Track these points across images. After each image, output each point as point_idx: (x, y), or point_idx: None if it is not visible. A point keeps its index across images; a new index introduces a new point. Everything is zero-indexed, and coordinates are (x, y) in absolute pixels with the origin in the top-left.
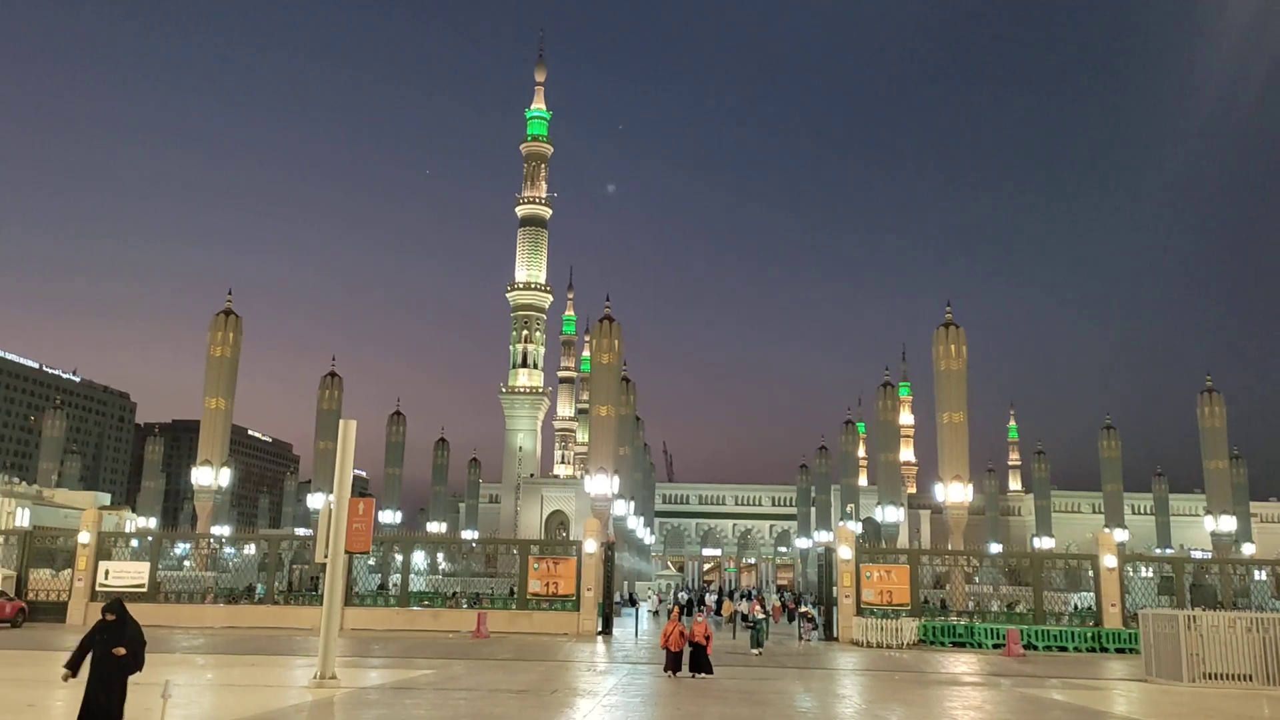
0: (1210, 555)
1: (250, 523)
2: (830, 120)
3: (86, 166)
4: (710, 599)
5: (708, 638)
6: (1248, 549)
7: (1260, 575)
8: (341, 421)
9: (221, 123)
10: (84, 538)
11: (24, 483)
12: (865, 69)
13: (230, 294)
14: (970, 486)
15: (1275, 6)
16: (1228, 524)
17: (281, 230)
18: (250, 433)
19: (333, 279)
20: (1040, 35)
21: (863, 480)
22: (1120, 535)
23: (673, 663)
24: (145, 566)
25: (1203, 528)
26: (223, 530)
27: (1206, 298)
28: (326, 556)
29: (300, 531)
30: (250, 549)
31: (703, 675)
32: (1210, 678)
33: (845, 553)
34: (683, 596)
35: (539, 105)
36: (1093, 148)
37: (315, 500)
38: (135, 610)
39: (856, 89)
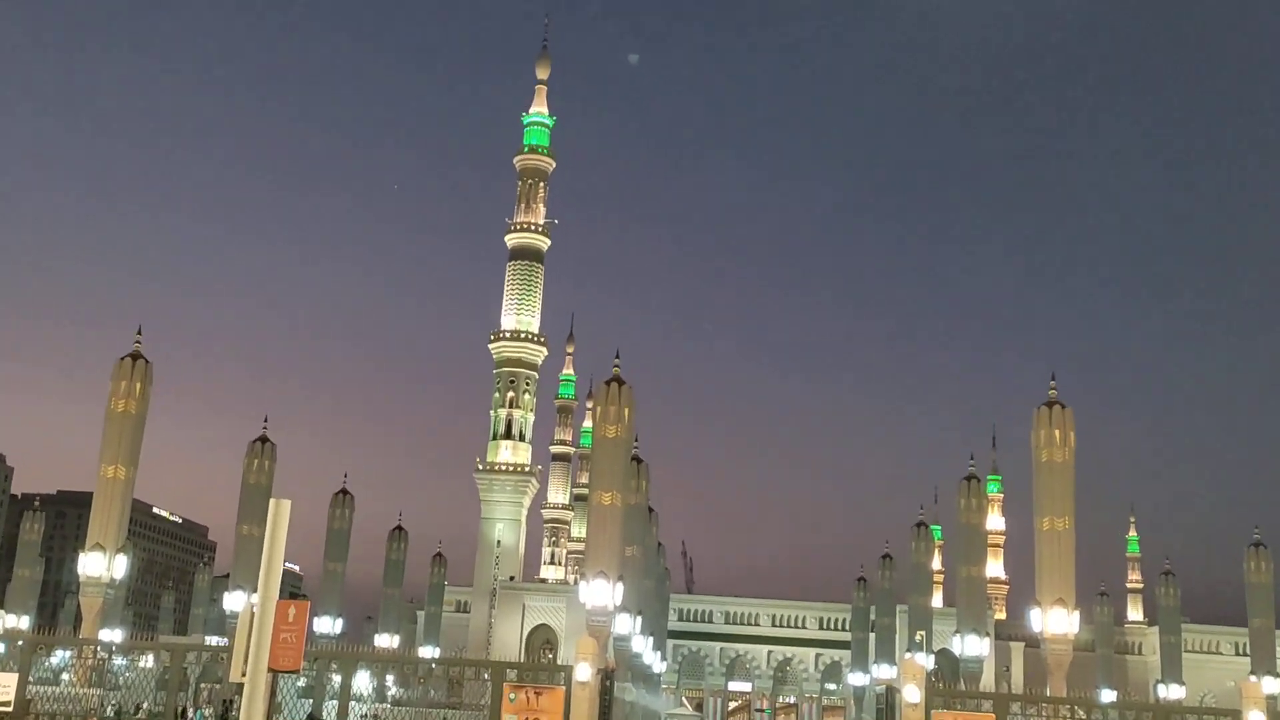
0: None
1: (150, 626)
2: (915, 135)
3: None
4: None
5: None
6: None
7: None
8: (272, 501)
9: (119, 128)
10: None
11: None
12: (966, 122)
13: (139, 334)
14: (1076, 614)
15: None
16: None
17: (202, 258)
18: (156, 511)
19: (267, 323)
20: (1179, 117)
21: (937, 600)
22: (1271, 685)
23: None
24: (13, 679)
25: None
26: (114, 635)
27: None
28: (244, 675)
29: (213, 640)
30: (148, 660)
31: None
32: None
33: (912, 694)
34: None
35: (540, 108)
36: (1231, 228)
37: (234, 601)
38: None
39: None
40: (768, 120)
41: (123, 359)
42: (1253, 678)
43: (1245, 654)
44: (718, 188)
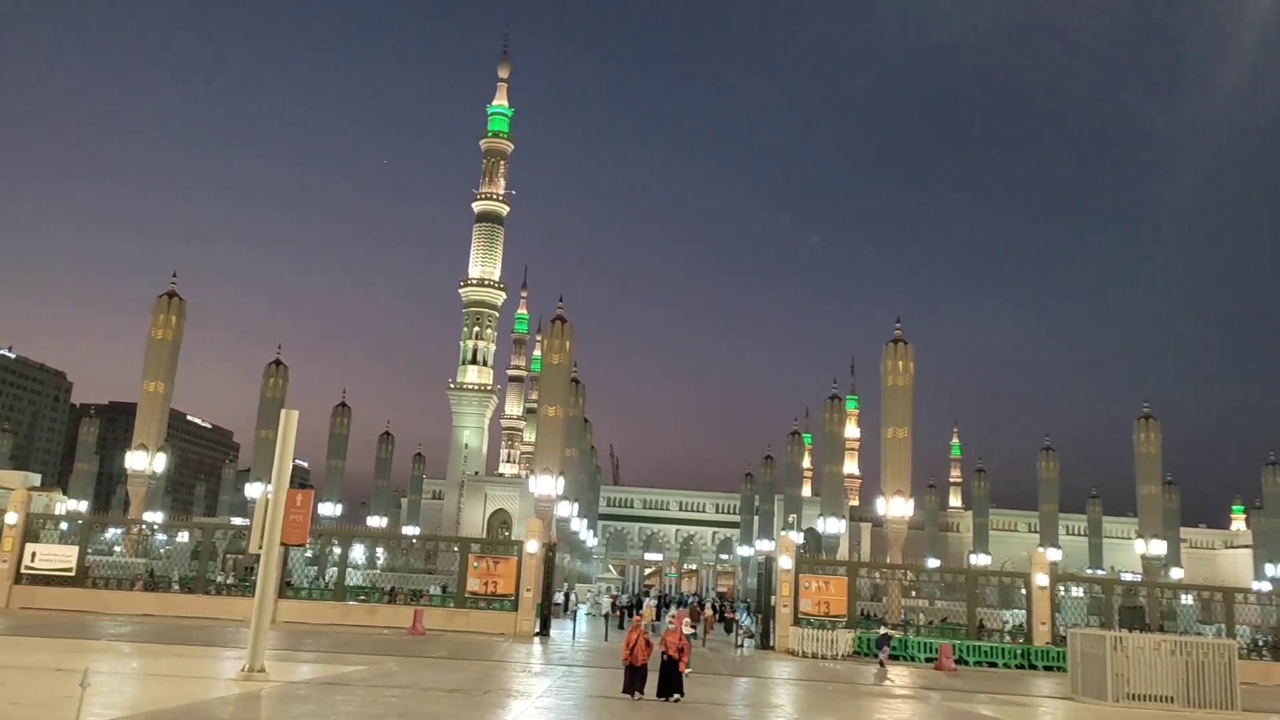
0: (1140, 578)
1: (186, 510)
2: (795, 127)
3: (30, 143)
4: (650, 604)
5: (681, 649)
6: (1176, 573)
7: (1187, 599)
8: (283, 411)
9: (167, 100)
10: (11, 518)
11: None
12: (840, 78)
13: (175, 276)
14: (911, 501)
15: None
16: (1158, 548)
17: (231, 213)
18: (190, 418)
19: (283, 265)
20: (1021, 65)
21: (806, 491)
22: (1054, 555)
23: (636, 681)
24: (74, 550)
25: (1134, 551)
26: (156, 516)
27: (1150, 324)
28: (261, 547)
29: (236, 521)
30: (183, 536)
31: (676, 698)
32: (1134, 698)
33: (785, 562)
34: (622, 599)
35: (501, 101)
36: (1050, 169)
37: (253, 490)
38: (62, 595)
39: (826, 97)
40: (674, 119)
41: (161, 296)
42: (1040, 549)
43: (1036, 531)
44: (638, 170)
